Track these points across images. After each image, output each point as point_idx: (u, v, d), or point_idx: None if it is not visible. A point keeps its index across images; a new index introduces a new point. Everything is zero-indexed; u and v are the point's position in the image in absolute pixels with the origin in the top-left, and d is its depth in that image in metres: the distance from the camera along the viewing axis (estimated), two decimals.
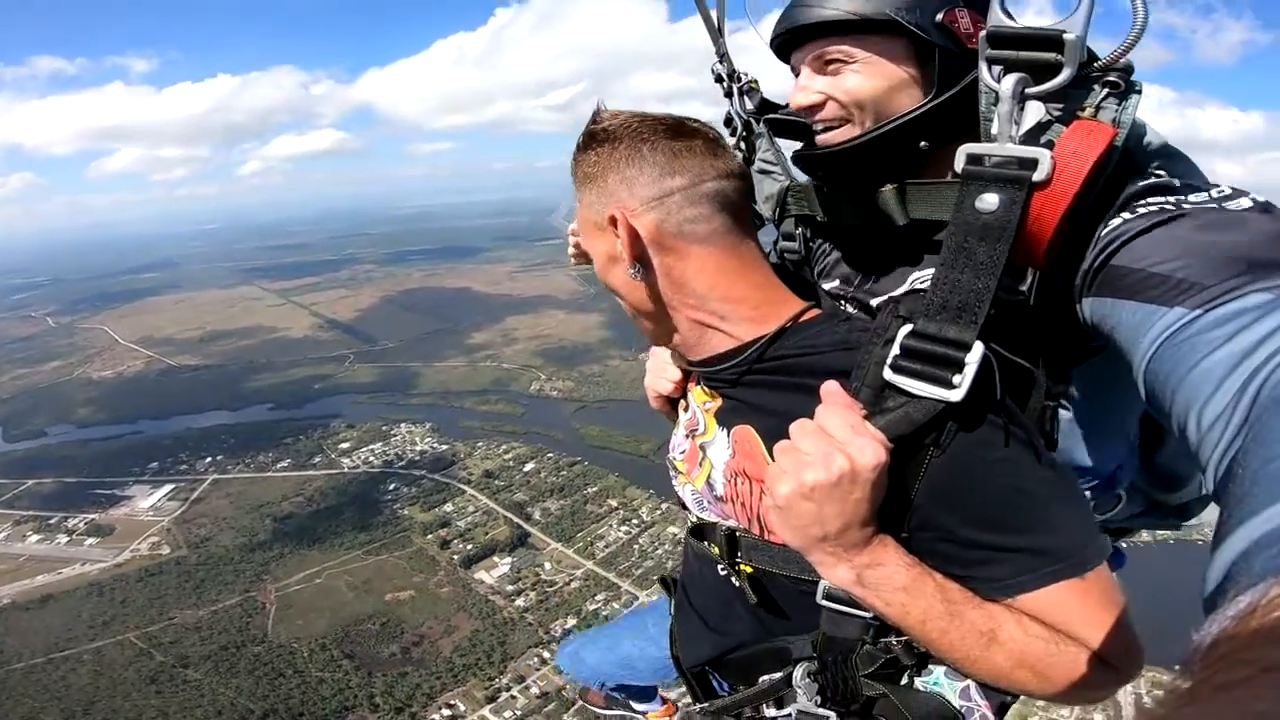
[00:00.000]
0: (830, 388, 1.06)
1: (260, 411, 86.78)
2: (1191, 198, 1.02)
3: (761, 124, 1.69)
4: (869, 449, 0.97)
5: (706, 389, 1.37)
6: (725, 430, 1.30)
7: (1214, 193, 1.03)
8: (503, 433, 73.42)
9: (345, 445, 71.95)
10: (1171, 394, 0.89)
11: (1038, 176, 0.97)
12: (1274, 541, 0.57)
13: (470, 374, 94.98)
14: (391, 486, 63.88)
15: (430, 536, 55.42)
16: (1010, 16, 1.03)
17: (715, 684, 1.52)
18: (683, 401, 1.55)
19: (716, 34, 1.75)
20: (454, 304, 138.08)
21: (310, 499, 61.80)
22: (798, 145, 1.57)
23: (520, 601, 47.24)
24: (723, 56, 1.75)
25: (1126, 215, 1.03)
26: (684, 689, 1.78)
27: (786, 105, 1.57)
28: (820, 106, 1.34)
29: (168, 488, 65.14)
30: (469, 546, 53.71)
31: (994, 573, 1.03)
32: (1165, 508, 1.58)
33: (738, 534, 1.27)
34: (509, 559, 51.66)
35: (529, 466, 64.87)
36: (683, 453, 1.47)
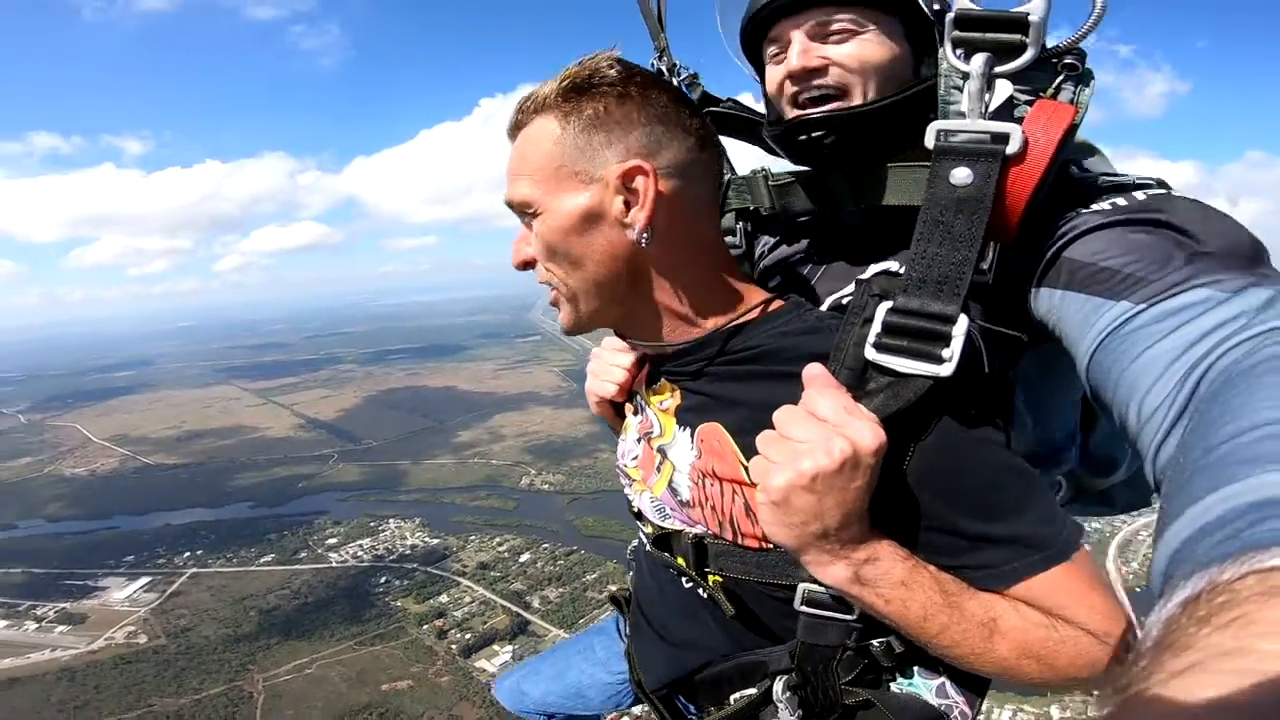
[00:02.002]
0: (813, 370, 1.01)
1: (241, 509, 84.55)
2: (1140, 198, 1.05)
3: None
4: (868, 430, 0.92)
5: (667, 384, 1.29)
6: (688, 430, 1.22)
7: (1153, 190, 1.07)
8: (495, 526, 72.46)
9: (332, 541, 70.30)
10: (1114, 385, 0.91)
11: (1010, 149, 0.98)
12: (1216, 529, 0.57)
13: (459, 471, 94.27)
14: (383, 580, 62.30)
15: (426, 627, 53.88)
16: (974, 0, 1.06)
17: (682, 707, 1.41)
18: (629, 404, 1.48)
19: (657, 27, 1.70)
20: (438, 402, 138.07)
21: (297, 592, 59.91)
22: (737, 141, 1.60)
23: None
24: (662, 51, 1.69)
25: (1081, 209, 1.06)
26: (639, 714, 1.72)
27: (727, 100, 1.62)
28: (821, 71, 1.30)
29: (144, 580, 62.81)
30: (468, 636, 52.26)
31: (988, 559, 0.99)
32: (1091, 494, 1.61)
33: (706, 541, 1.18)
34: (510, 646, 50.22)
35: (525, 557, 63.87)
36: (635, 458, 1.39)
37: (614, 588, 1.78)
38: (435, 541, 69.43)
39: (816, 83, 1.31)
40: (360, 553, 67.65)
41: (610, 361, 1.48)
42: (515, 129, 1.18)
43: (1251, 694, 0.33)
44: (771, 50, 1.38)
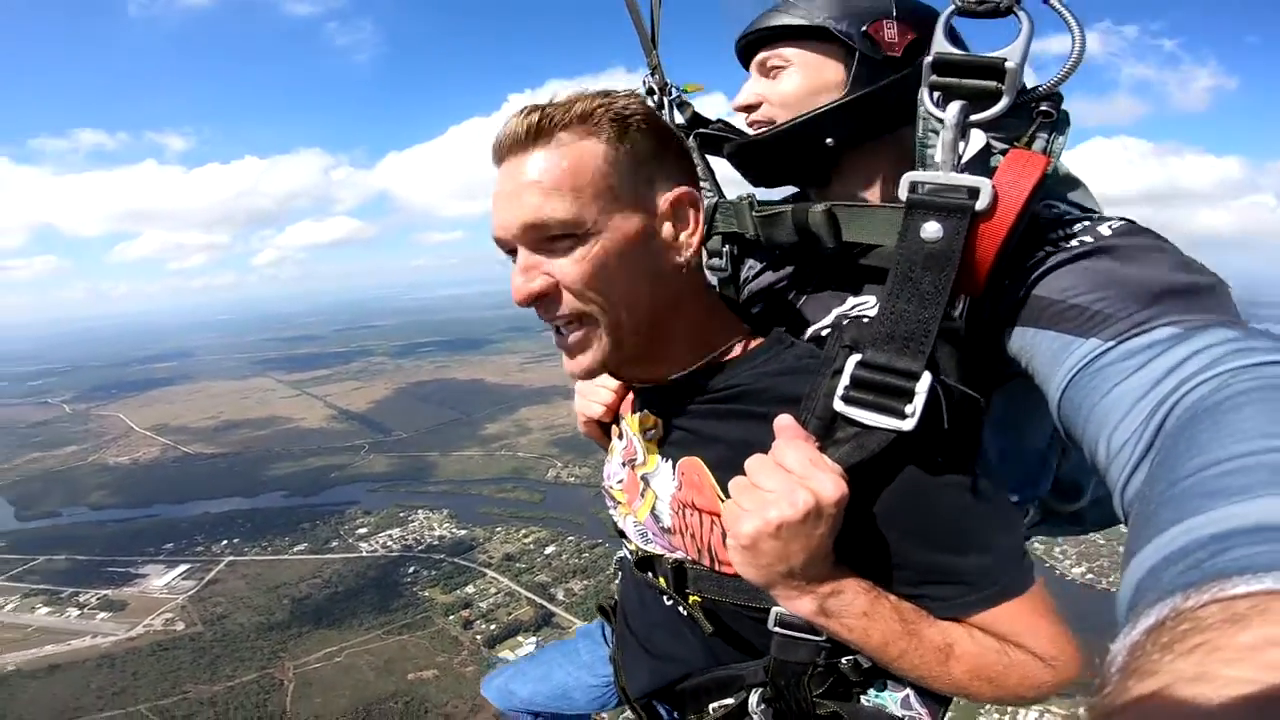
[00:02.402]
0: (783, 421, 1.05)
1: (276, 498, 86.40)
2: (1106, 233, 1.06)
3: (692, 138, 1.67)
4: (830, 483, 0.96)
5: (648, 416, 1.32)
6: (669, 461, 1.27)
7: (1121, 226, 1.08)
8: (521, 518, 73.00)
9: (363, 530, 71.53)
10: (1084, 420, 0.93)
11: (980, 205, 0.98)
12: (1179, 559, 0.58)
13: (487, 463, 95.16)
14: (411, 570, 63.15)
15: (452, 617, 54.52)
16: (954, 44, 1.08)
17: (664, 714, 1.49)
18: (615, 428, 1.51)
19: (650, 45, 1.73)
20: (466, 395, 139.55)
21: (328, 581, 61.03)
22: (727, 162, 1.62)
23: None
24: (655, 69, 1.72)
25: (1049, 248, 1.06)
26: (618, 716, 1.78)
27: (717, 120, 1.66)
28: (754, 108, 1.42)
29: (182, 567, 64.50)
30: (492, 627, 52.83)
31: (945, 593, 1.05)
32: (1061, 516, 1.65)
33: (686, 565, 1.25)
34: (534, 638, 50.46)
35: (550, 549, 64.29)
36: (620, 482, 1.44)
37: (604, 595, 1.87)
38: (462, 532, 70.16)
39: (750, 119, 1.45)
40: (390, 542, 68.72)
41: (599, 382, 1.52)
42: (534, 135, 1.08)
43: (1216, 718, 0.34)
44: None
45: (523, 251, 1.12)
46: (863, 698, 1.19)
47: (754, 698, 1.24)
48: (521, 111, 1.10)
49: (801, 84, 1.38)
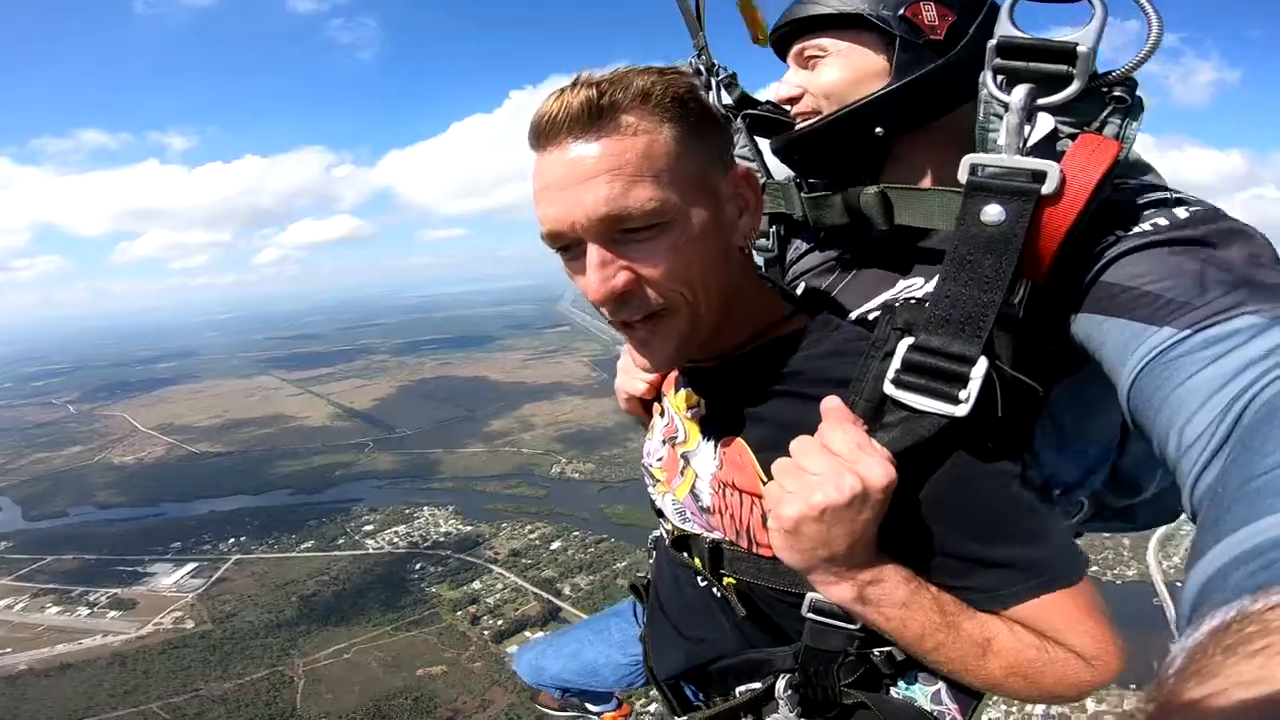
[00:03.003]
0: (831, 403, 1.02)
1: (281, 496, 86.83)
2: (1183, 216, 1.02)
3: (740, 119, 1.63)
4: (878, 468, 0.94)
5: (694, 393, 1.32)
6: (711, 440, 1.26)
7: (1198, 210, 1.03)
8: (527, 514, 73.27)
9: (369, 528, 71.84)
10: (1155, 412, 0.90)
11: (1046, 189, 0.95)
12: (1250, 559, 0.56)
13: (491, 460, 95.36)
14: (418, 566, 63.47)
15: (460, 613, 54.83)
16: (1018, 27, 1.04)
17: (690, 695, 1.49)
18: (657, 405, 1.51)
19: (696, 25, 1.70)
20: (470, 392, 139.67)
21: (335, 578, 61.33)
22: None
23: None
24: (701, 50, 1.69)
25: (1121, 232, 1.03)
26: (647, 693, 1.77)
27: (766, 101, 1.59)
28: (797, 99, 1.40)
29: (191, 565, 64.81)
30: (500, 622, 53.12)
31: (987, 583, 1.02)
32: (1111, 511, 1.61)
33: (723, 546, 1.23)
34: (541, 633, 50.09)
35: (555, 545, 64.55)
36: (660, 460, 1.43)
37: (637, 573, 1.84)
38: (468, 529, 70.46)
39: (795, 110, 1.42)
40: (396, 539, 69.03)
41: None
42: (597, 117, 0.99)
43: None
44: None
45: (594, 247, 1.03)
46: (893, 689, 1.18)
47: (781, 683, 1.22)
48: (571, 88, 1.01)
49: (842, 73, 1.36)
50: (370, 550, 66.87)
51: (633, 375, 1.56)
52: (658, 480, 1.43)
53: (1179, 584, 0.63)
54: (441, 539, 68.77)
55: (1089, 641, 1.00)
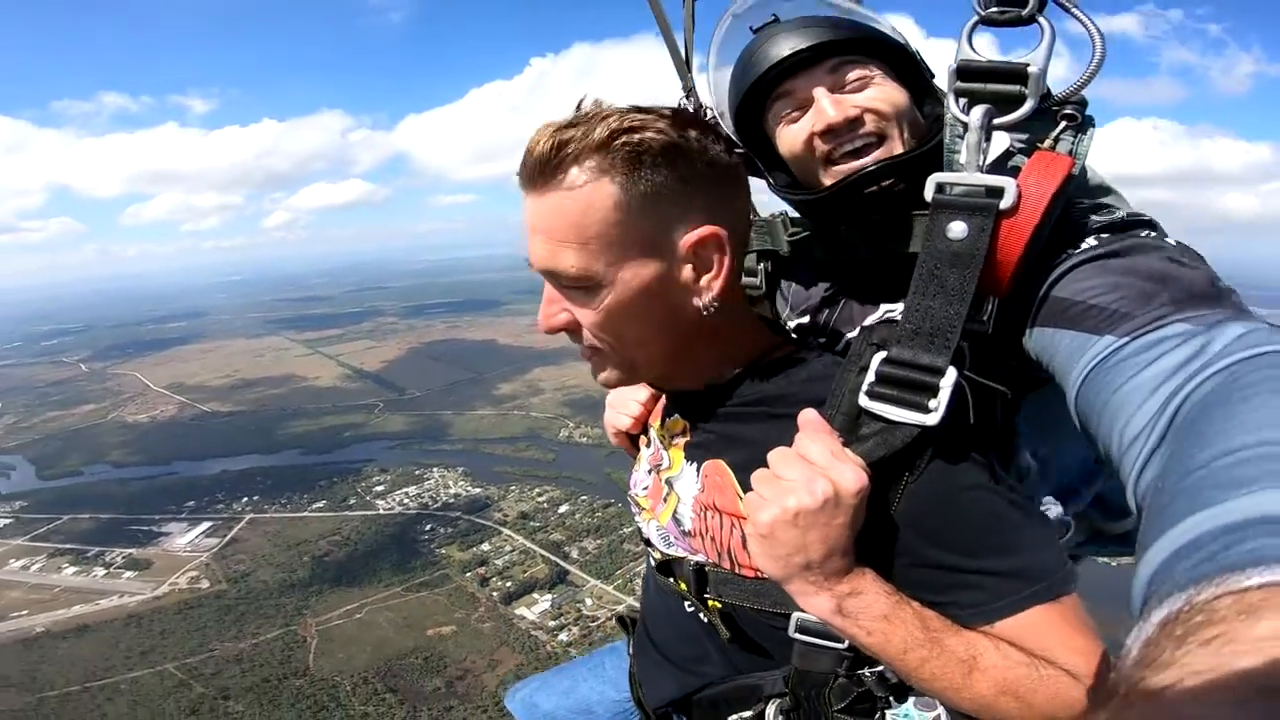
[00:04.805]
0: (808, 415, 1.06)
1: (293, 456, 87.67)
2: (1129, 233, 1.07)
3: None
4: (850, 473, 0.98)
5: (680, 420, 1.36)
6: (694, 465, 1.29)
7: (1140, 227, 1.10)
8: (535, 477, 73.97)
9: (380, 488, 72.71)
10: (1099, 415, 0.94)
11: (1004, 204, 0.99)
12: (1192, 551, 0.58)
13: (500, 423, 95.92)
14: (428, 527, 64.28)
15: (469, 575, 55.64)
16: (975, 50, 1.08)
17: None
18: (643, 437, 1.55)
19: (684, 68, 1.73)
20: (479, 355, 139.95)
21: (347, 539, 62.21)
22: (761, 181, 1.47)
23: (563, 636, 47.15)
24: (689, 91, 1.68)
25: (1072, 249, 1.07)
26: None
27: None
28: (858, 121, 1.26)
29: (205, 525, 65.85)
30: (508, 584, 53.87)
31: (971, 598, 1.02)
32: (1107, 535, 1.61)
33: (706, 569, 1.24)
34: (549, 595, 51.71)
35: (563, 508, 65.22)
36: (645, 489, 1.46)
37: (621, 608, 1.83)
38: (478, 491, 71.23)
39: (861, 132, 1.26)
40: (406, 500, 69.89)
41: (628, 395, 1.58)
42: (548, 173, 1.07)
43: (1229, 711, 0.34)
44: (784, 109, 1.33)
45: (547, 286, 1.17)
46: (888, 714, 1.16)
47: (771, 710, 1.22)
48: (546, 130, 1.07)
49: (901, 93, 1.27)
50: (381, 511, 67.70)
51: (619, 410, 1.60)
52: (643, 508, 1.45)
53: None
54: (451, 500, 69.58)
55: (1080, 659, 0.98)
